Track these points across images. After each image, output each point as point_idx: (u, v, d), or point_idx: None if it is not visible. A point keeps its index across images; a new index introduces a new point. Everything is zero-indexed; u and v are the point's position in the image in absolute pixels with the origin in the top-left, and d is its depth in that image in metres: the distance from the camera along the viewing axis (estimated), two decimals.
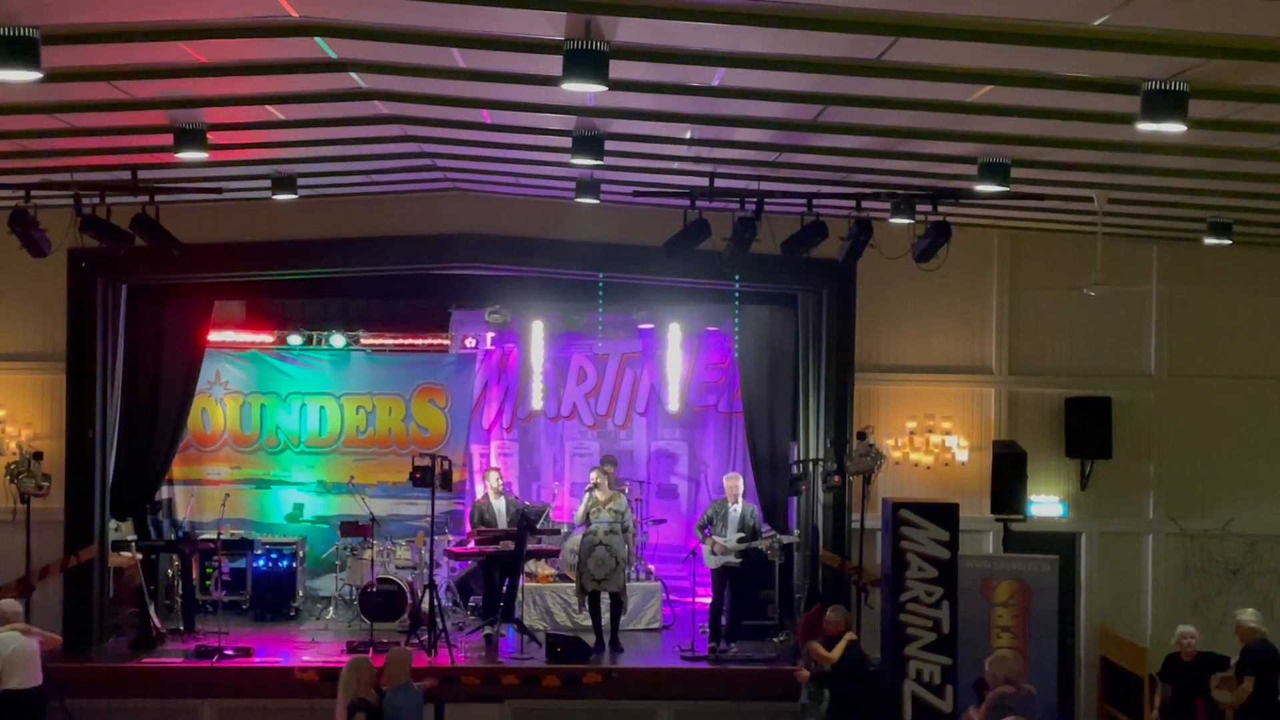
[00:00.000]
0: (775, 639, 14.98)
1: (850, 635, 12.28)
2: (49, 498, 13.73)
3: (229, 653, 13.81)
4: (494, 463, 17.29)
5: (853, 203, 12.30)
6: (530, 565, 15.52)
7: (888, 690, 12.37)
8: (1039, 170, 10.65)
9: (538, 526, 15.07)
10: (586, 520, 14.56)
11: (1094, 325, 14.83)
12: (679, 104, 9.24)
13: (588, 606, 14.70)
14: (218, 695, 13.44)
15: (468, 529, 15.80)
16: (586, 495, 14.79)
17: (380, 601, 15.07)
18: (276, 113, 10.06)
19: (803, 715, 12.31)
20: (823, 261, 13.42)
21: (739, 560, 14.62)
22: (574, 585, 15.00)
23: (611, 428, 17.99)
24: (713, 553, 14.66)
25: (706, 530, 14.79)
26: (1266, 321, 14.99)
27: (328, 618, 15.86)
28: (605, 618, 14.65)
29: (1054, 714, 13.20)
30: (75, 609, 14.37)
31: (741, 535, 14.59)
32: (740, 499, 14.80)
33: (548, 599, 15.44)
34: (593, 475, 14.89)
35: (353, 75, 8.98)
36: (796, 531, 15.20)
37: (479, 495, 15.89)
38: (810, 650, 12.20)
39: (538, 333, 17.55)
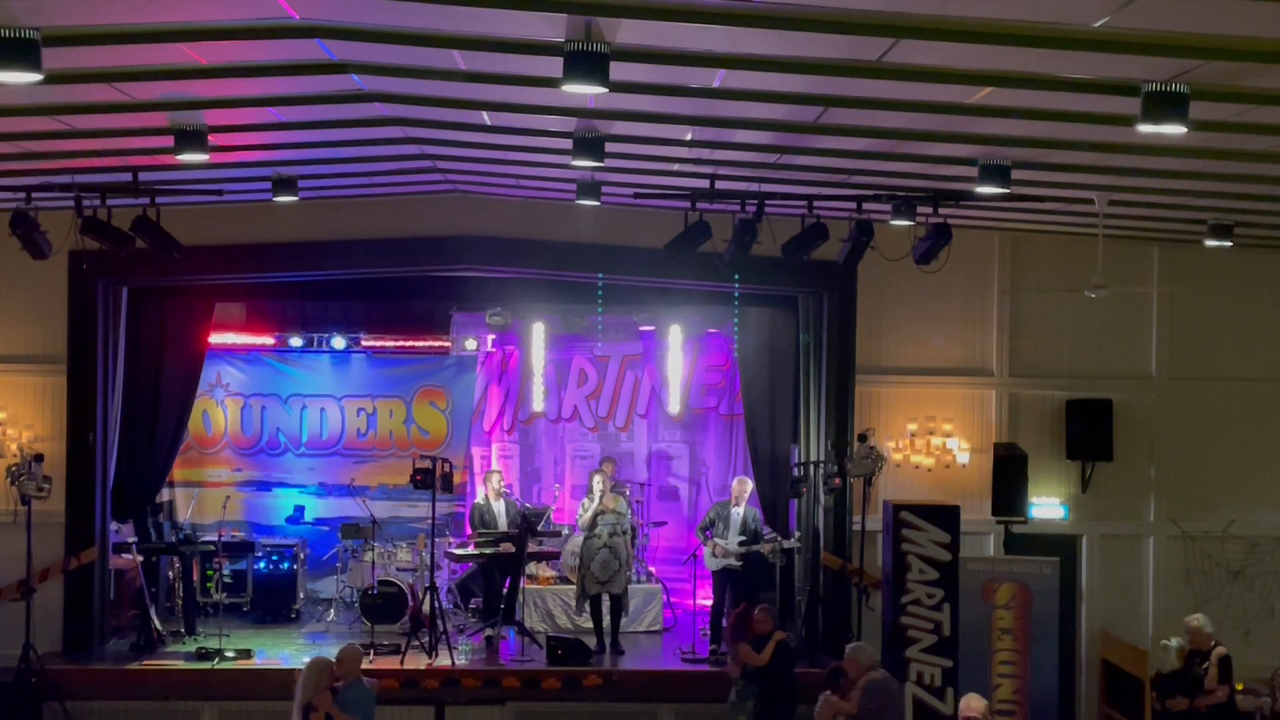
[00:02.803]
0: None
1: (779, 635, 12.19)
2: (50, 500, 13.71)
3: (230, 655, 13.81)
4: (495, 465, 17.29)
5: (853, 205, 12.30)
6: (531, 567, 15.52)
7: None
8: (1039, 172, 10.65)
9: (538, 529, 15.07)
10: (593, 524, 14.54)
11: (1095, 327, 14.83)
12: (680, 106, 9.24)
13: (589, 609, 14.70)
14: (218, 698, 13.45)
15: (468, 531, 15.81)
16: (593, 500, 14.76)
17: (381, 603, 15.07)
18: (277, 114, 10.07)
19: (731, 714, 12.26)
20: (823, 263, 13.42)
21: (740, 563, 14.63)
22: (574, 588, 15.02)
23: (612, 430, 18.00)
24: (714, 555, 14.66)
25: (708, 532, 14.80)
26: (1267, 324, 14.99)
27: (329, 620, 15.85)
28: (606, 620, 14.65)
29: (1055, 716, 13.19)
30: (76, 611, 14.38)
31: (743, 538, 14.59)
32: (743, 502, 14.81)
33: (548, 601, 15.44)
34: (596, 480, 14.87)
35: (353, 77, 8.98)
36: (798, 535, 15.19)
37: (479, 497, 15.90)
38: (740, 651, 12.14)
39: (538, 335, 17.55)
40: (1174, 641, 12.23)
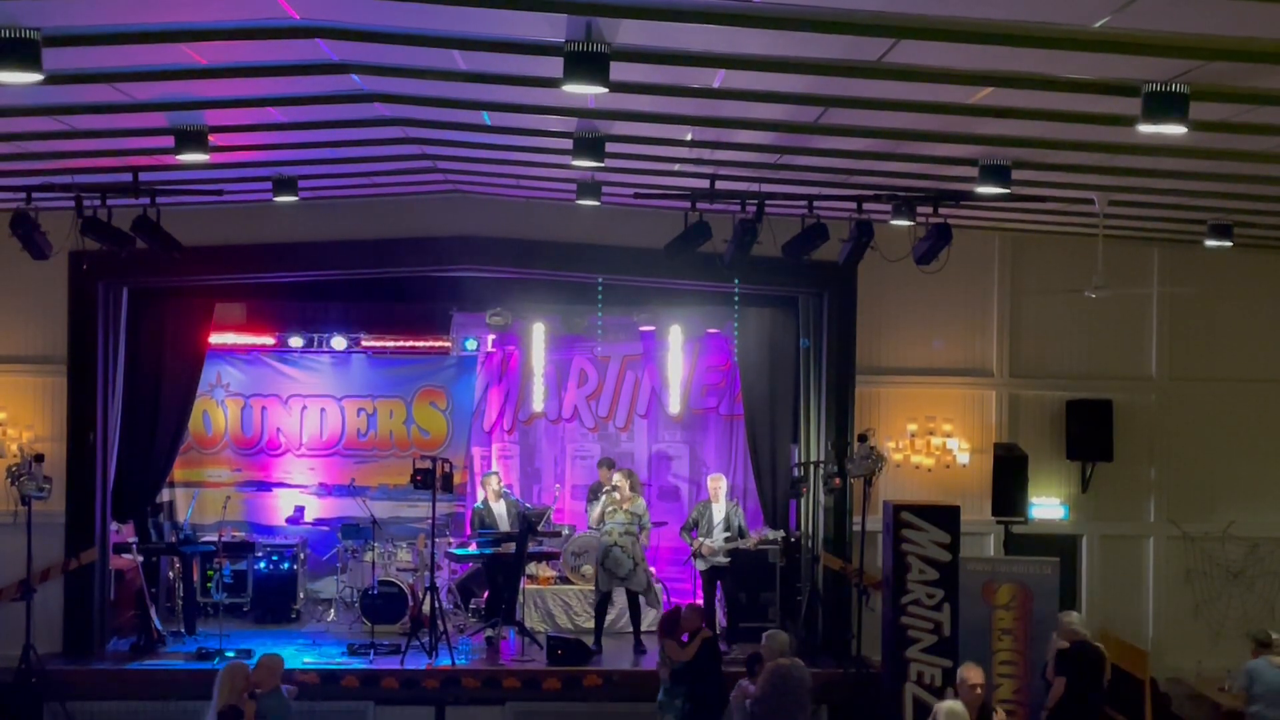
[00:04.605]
0: None
1: (705, 633, 12.19)
2: (50, 500, 13.70)
3: (230, 655, 13.79)
4: (494, 465, 17.29)
5: (853, 205, 12.30)
6: (531, 567, 15.53)
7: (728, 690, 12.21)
8: (1040, 172, 10.66)
9: (538, 529, 15.07)
10: (601, 522, 14.56)
11: (1095, 328, 14.84)
12: (680, 106, 9.25)
13: (594, 607, 14.74)
14: None
15: (469, 531, 15.81)
16: (604, 495, 14.80)
17: (381, 604, 15.08)
18: (277, 115, 10.07)
19: (659, 712, 12.25)
20: (823, 264, 13.42)
21: (728, 559, 14.67)
22: (577, 586, 15.05)
23: (612, 430, 17.99)
24: (700, 555, 14.69)
25: (693, 533, 14.85)
26: (1267, 324, 15.00)
27: (329, 620, 15.85)
28: (609, 618, 14.77)
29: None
30: (76, 611, 14.38)
31: (728, 535, 14.66)
32: (723, 499, 14.86)
33: (549, 601, 15.45)
34: (615, 477, 14.87)
35: (354, 77, 8.99)
36: (798, 530, 15.19)
37: (479, 500, 15.91)
38: (666, 646, 12.15)
39: (539, 335, 17.54)
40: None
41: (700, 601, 14.83)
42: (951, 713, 10.13)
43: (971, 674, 10.61)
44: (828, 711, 13.71)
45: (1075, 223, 13.35)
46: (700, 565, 14.78)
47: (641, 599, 14.69)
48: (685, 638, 12.03)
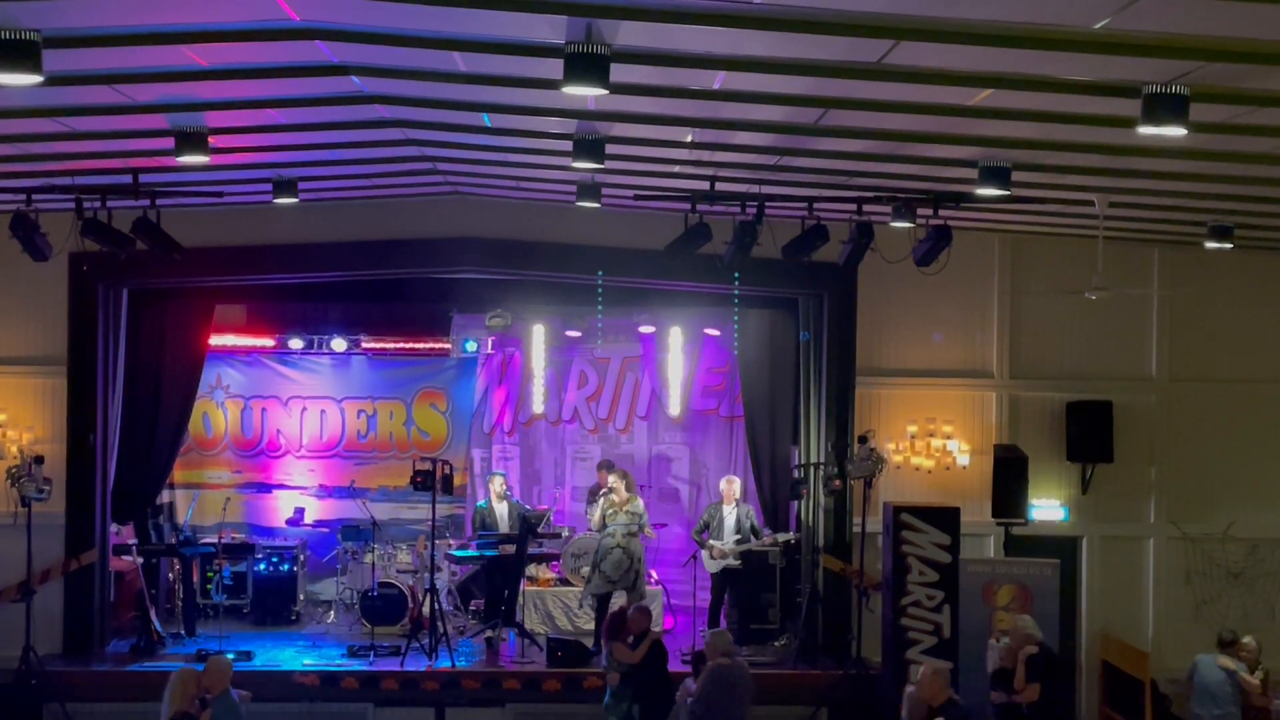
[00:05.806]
0: (777, 643, 14.98)
1: (653, 635, 12.18)
2: (50, 502, 13.70)
3: (230, 657, 13.77)
4: (497, 468, 17.28)
5: (853, 206, 12.30)
6: (531, 569, 15.53)
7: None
8: (1040, 174, 10.66)
9: (538, 531, 15.07)
10: (603, 524, 14.55)
11: (1095, 329, 14.83)
12: (680, 107, 9.25)
13: (593, 608, 14.70)
14: None
15: (469, 533, 15.81)
16: (602, 499, 14.78)
17: (381, 605, 15.08)
18: (277, 116, 10.07)
19: (605, 714, 12.23)
20: (824, 265, 13.43)
21: (739, 562, 14.67)
22: (577, 588, 15.03)
23: (612, 431, 17.98)
24: (711, 557, 14.68)
25: (704, 535, 14.83)
26: (1267, 325, 14.99)
27: (329, 622, 15.85)
28: None
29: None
30: (76, 613, 14.38)
31: (739, 537, 14.65)
32: (735, 501, 14.85)
33: (549, 603, 15.45)
34: (610, 479, 14.88)
35: (354, 79, 8.99)
36: (798, 531, 15.19)
37: (483, 498, 15.89)
38: (614, 649, 12.13)
39: (538, 336, 17.54)
40: (1001, 641, 12.22)
41: (708, 603, 14.88)
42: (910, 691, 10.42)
43: (921, 673, 10.57)
44: (828, 713, 13.70)
45: (1075, 224, 13.35)
46: (711, 567, 14.77)
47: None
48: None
